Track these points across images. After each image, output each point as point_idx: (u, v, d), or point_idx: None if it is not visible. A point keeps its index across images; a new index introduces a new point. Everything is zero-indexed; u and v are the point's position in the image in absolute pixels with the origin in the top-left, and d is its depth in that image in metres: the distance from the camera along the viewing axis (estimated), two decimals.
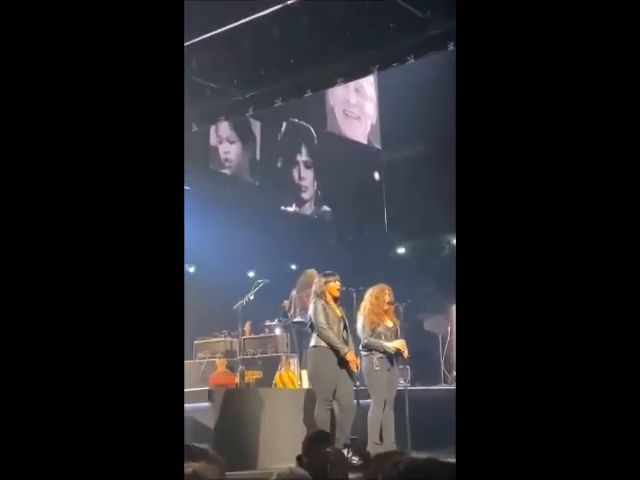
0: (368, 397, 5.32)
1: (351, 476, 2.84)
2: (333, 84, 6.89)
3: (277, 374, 6.60)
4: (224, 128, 10.07)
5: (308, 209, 11.51)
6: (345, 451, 4.66)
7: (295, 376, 6.62)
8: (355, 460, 4.76)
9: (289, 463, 3.89)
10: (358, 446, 4.98)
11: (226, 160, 10.38)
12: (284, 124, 10.94)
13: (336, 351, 5.07)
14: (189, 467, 2.09)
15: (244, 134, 10.45)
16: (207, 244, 8.49)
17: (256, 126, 10.58)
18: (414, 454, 4.66)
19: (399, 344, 5.25)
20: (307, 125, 11.31)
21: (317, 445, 3.13)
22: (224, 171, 10.39)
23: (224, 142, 10.33)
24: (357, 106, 12.05)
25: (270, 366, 6.88)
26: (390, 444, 5.07)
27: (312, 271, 7.45)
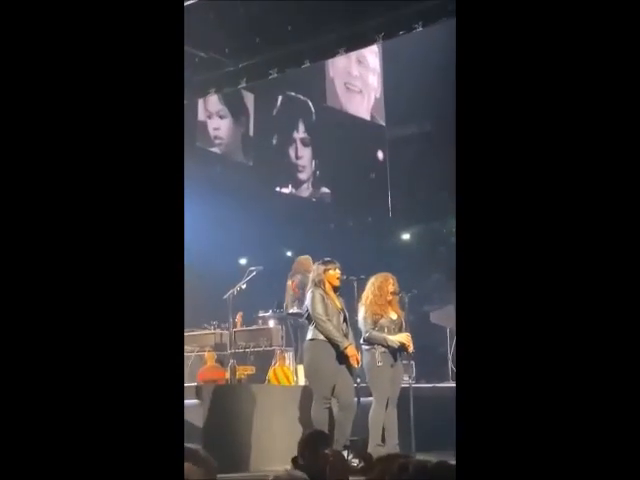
0: (369, 395, 5.33)
1: (352, 479, 2.85)
2: (334, 54, 6.85)
3: (271, 369, 6.62)
4: (213, 101, 10.00)
5: (305, 191, 11.50)
6: (345, 453, 4.68)
7: (290, 372, 6.64)
8: (355, 462, 4.78)
9: (284, 465, 3.90)
10: (358, 447, 5.00)
11: (216, 137, 10.34)
12: (280, 98, 10.90)
13: (335, 345, 5.07)
14: None
15: (236, 108, 10.40)
16: (195, 229, 8.46)
17: (249, 99, 10.53)
18: (419, 456, 4.68)
19: (403, 338, 5.26)
20: (305, 99, 11.27)
21: (314, 446, 3.14)
22: (213, 149, 10.35)
23: (213, 117, 10.27)
24: (359, 78, 12.01)
25: (263, 361, 6.90)
26: (393, 445, 5.09)
27: (306, 257, 7.45)
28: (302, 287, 7.31)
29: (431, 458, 2.09)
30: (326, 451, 3.07)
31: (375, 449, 4.95)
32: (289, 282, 7.52)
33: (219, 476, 2.31)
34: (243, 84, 7.10)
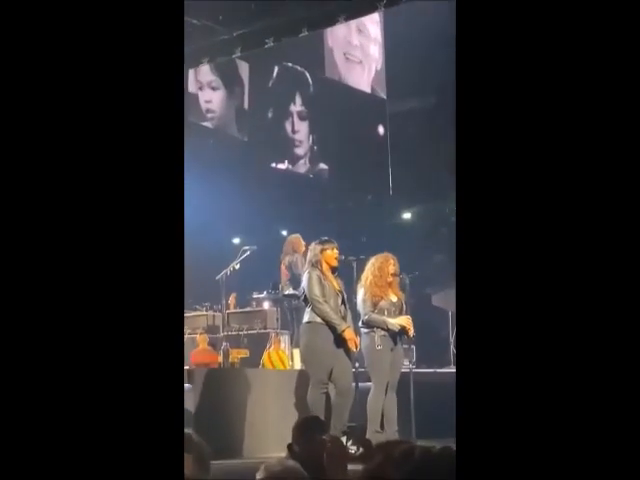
0: (368, 380, 5.36)
1: (350, 467, 2.85)
2: (333, 22, 6.80)
3: (265, 353, 6.64)
4: (205, 72, 9.91)
5: (302, 167, 11.47)
6: (343, 439, 4.70)
7: (286, 355, 6.66)
8: (354, 449, 4.80)
9: (278, 452, 3.93)
10: (357, 434, 5.03)
11: (208, 110, 10.26)
12: (276, 68, 10.82)
13: (333, 328, 5.09)
14: None
15: (229, 79, 10.31)
16: (187, 207, 8.44)
17: (244, 70, 10.45)
18: (419, 443, 4.70)
19: (404, 321, 5.28)
20: (302, 69, 11.19)
21: (310, 432, 3.14)
22: (205, 124, 10.28)
23: (205, 89, 10.19)
24: (360, 48, 11.93)
25: (257, 344, 6.91)
26: (392, 432, 5.12)
27: (296, 236, 7.45)
28: (291, 267, 7.33)
29: (433, 444, 2.10)
30: (323, 437, 3.07)
31: (374, 435, 4.98)
32: (282, 264, 7.54)
33: (211, 463, 2.31)
34: (237, 53, 7.04)
